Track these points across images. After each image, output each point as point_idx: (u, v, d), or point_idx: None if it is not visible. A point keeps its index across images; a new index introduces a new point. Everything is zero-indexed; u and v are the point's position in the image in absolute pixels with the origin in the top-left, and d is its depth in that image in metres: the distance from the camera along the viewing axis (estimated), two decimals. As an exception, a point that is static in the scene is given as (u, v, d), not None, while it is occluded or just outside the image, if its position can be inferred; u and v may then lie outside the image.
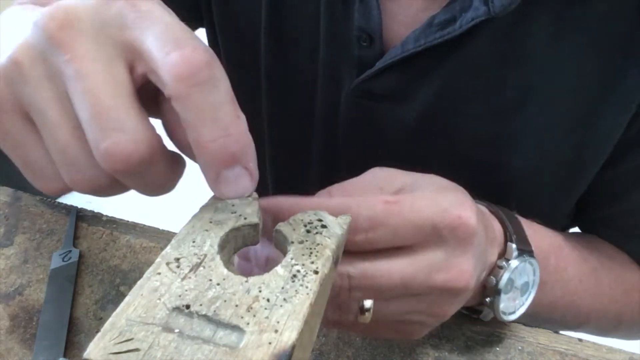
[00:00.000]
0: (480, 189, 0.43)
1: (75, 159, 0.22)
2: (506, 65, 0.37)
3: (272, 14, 0.44)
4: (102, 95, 0.20)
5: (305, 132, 0.49)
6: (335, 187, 0.29)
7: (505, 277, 0.32)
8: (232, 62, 0.50)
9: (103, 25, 0.21)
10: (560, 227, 0.46)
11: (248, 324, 0.18)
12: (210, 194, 0.26)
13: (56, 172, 0.23)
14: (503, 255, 0.33)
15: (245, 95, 0.51)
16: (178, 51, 0.20)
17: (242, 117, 0.22)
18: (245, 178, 0.23)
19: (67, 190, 0.25)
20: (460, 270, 0.27)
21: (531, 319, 0.40)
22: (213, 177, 0.23)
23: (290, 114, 0.49)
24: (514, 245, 0.33)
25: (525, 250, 0.33)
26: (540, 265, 0.35)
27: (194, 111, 0.21)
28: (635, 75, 0.34)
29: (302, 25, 0.43)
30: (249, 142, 0.22)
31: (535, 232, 0.37)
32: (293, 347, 0.18)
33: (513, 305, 0.34)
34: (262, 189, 0.57)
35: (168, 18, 0.21)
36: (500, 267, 0.33)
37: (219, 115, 0.21)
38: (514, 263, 0.32)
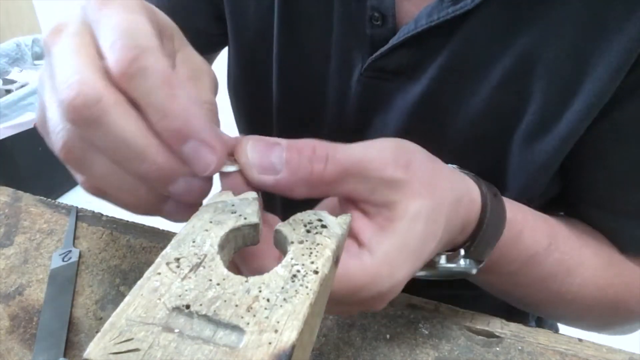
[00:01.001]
0: (477, 163, 0.43)
1: (49, 125, 0.27)
2: (513, 33, 0.38)
3: (284, 3, 0.45)
4: (67, 65, 0.25)
5: (315, 115, 0.50)
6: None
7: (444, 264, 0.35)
8: (242, 48, 0.51)
9: (82, 23, 0.26)
10: (534, 205, 0.46)
11: (248, 324, 0.18)
12: (211, 194, 0.26)
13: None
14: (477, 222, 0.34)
15: (256, 79, 0.52)
16: (112, 54, 0.24)
17: (182, 93, 0.24)
18: (204, 150, 0.24)
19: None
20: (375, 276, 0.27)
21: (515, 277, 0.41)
22: (179, 155, 0.24)
23: (301, 97, 0.50)
24: (462, 254, 0.35)
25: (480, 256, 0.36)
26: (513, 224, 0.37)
27: (137, 101, 0.24)
28: (631, 32, 0.34)
29: (315, 8, 0.44)
30: (192, 116, 0.24)
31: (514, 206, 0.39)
32: (293, 347, 0.18)
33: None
34: None
35: (121, 17, 0.25)
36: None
37: (152, 99, 0.24)
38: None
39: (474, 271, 0.36)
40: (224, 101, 0.60)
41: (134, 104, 0.24)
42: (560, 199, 0.48)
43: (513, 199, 0.43)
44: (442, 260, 0.36)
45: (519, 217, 0.38)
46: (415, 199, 0.28)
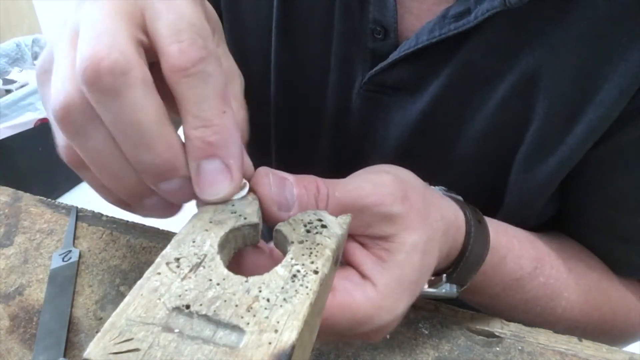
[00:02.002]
0: (476, 180, 0.43)
1: (61, 83, 0.23)
2: (515, 52, 0.37)
3: (283, 9, 0.44)
4: (97, 29, 0.22)
5: (313, 128, 0.50)
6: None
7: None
8: (239, 58, 0.51)
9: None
10: (532, 223, 0.46)
11: (248, 324, 0.18)
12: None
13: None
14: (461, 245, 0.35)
15: (253, 91, 0.52)
16: (177, 45, 0.22)
17: (230, 113, 0.23)
18: (224, 175, 0.23)
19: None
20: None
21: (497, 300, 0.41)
22: (194, 169, 0.23)
23: (299, 109, 0.49)
24: (445, 280, 0.36)
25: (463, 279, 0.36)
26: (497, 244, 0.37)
27: (183, 101, 0.22)
28: (636, 58, 0.34)
29: (315, 19, 0.44)
30: (231, 138, 0.23)
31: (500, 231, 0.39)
32: (293, 347, 0.18)
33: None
34: None
35: (185, 9, 0.23)
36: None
37: (203, 106, 0.22)
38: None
39: (456, 294, 0.37)
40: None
41: (169, 98, 0.23)
42: (556, 220, 0.48)
43: (509, 217, 0.44)
44: (425, 285, 0.36)
45: (503, 242, 0.39)
46: (412, 232, 0.29)
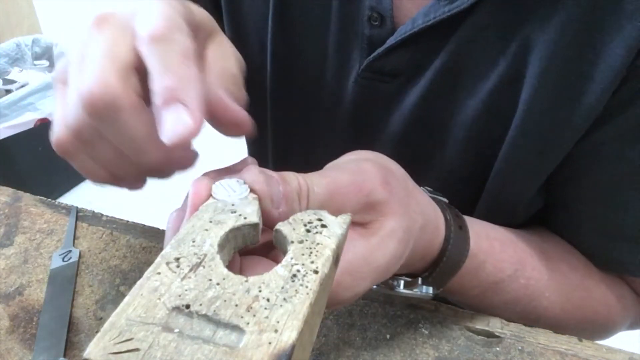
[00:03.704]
0: (468, 165, 0.44)
1: (68, 110, 0.28)
2: (507, 33, 0.38)
3: (279, 2, 0.45)
4: (96, 57, 0.26)
5: (310, 116, 0.50)
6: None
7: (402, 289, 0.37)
8: (238, 48, 0.51)
9: (129, 19, 0.27)
10: (520, 217, 0.46)
11: (248, 323, 0.18)
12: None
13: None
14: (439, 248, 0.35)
15: (251, 80, 0.52)
16: (146, 25, 0.26)
17: (191, 67, 0.25)
18: (183, 114, 0.24)
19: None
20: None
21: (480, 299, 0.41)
22: (159, 118, 0.25)
23: (296, 98, 0.50)
24: (421, 283, 0.36)
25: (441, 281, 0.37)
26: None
27: (150, 65, 0.25)
28: (621, 47, 0.34)
29: (312, 7, 0.44)
30: (191, 84, 0.25)
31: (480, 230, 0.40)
32: (293, 347, 0.18)
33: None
34: (264, 166, 0.59)
35: (162, 9, 0.26)
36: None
37: (166, 63, 0.25)
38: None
39: (431, 296, 0.37)
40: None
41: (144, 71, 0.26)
42: (542, 214, 0.48)
43: (493, 208, 0.44)
44: (401, 285, 0.37)
45: (484, 247, 0.39)
46: (390, 218, 0.29)
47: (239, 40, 0.50)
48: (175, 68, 0.25)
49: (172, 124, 0.24)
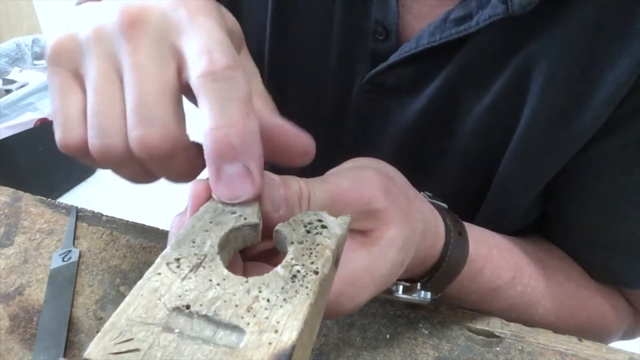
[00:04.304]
0: (466, 181, 0.43)
1: (104, 126, 0.25)
2: (509, 54, 0.38)
3: (278, 13, 0.44)
4: (149, 88, 0.24)
5: (308, 130, 0.49)
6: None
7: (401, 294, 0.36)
8: None
9: (165, 29, 0.25)
10: (518, 225, 0.46)
11: (248, 324, 0.18)
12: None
13: (83, 133, 0.26)
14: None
15: None
16: (207, 55, 0.23)
17: (253, 118, 0.23)
18: (245, 178, 0.23)
19: (80, 152, 0.27)
20: None
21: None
22: (214, 170, 0.23)
23: (293, 108, 0.49)
24: (420, 288, 0.36)
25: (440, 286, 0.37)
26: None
27: (207, 103, 0.23)
28: (627, 63, 0.34)
29: (312, 21, 0.44)
30: (254, 141, 0.23)
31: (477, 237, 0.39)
32: (293, 347, 0.18)
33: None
34: None
35: (216, 30, 0.24)
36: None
37: (228, 107, 0.22)
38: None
39: (429, 301, 0.37)
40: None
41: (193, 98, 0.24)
42: (540, 223, 0.48)
43: (492, 217, 0.44)
44: (400, 290, 0.37)
45: (482, 253, 0.39)
46: (391, 227, 0.29)
47: None
48: (239, 121, 0.22)
49: (232, 183, 0.23)
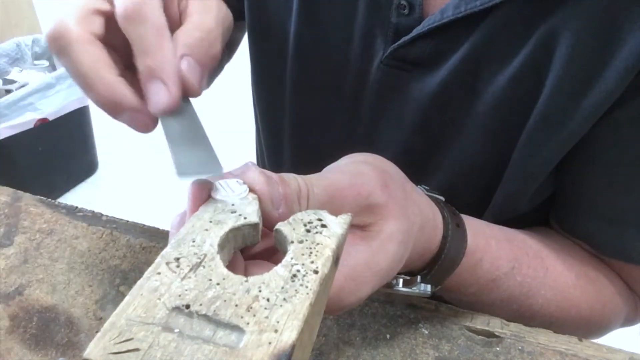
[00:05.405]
0: (483, 157, 0.44)
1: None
2: (531, 26, 0.38)
3: None
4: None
5: (329, 103, 0.50)
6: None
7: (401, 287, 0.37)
8: (256, 30, 0.51)
9: None
10: (534, 202, 0.46)
11: (248, 323, 0.18)
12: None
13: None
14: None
15: (270, 66, 0.52)
16: (121, 2, 0.28)
17: (166, 44, 0.28)
18: (162, 90, 0.28)
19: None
20: None
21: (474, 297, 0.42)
22: (145, 91, 0.28)
23: (316, 84, 0.50)
24: (419, 281, 0.37)
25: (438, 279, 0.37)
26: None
27: (130, 41, 0.28)
28: (637, 39, 0.34)
29: None
30: (166, 61, 0.28)
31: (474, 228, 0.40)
32: (293, 347, 0.18)
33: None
34: (279, 157, 0.58)
35: None
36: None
37: (143, 42, 0.28)
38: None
39: (429, 293, 0.37)
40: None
41: (119, 45, 0.29)
42: (546, 204, 0.48)
43: (504, 197, 0.44)
44: (400, 284, 0.37)
45: (480, 245, 0.39)
46: (390, 221, 0.29)
47: (260, 24, 0.50)
48: (152, 48, 0.28)
49: (155, 98, 0.28)
